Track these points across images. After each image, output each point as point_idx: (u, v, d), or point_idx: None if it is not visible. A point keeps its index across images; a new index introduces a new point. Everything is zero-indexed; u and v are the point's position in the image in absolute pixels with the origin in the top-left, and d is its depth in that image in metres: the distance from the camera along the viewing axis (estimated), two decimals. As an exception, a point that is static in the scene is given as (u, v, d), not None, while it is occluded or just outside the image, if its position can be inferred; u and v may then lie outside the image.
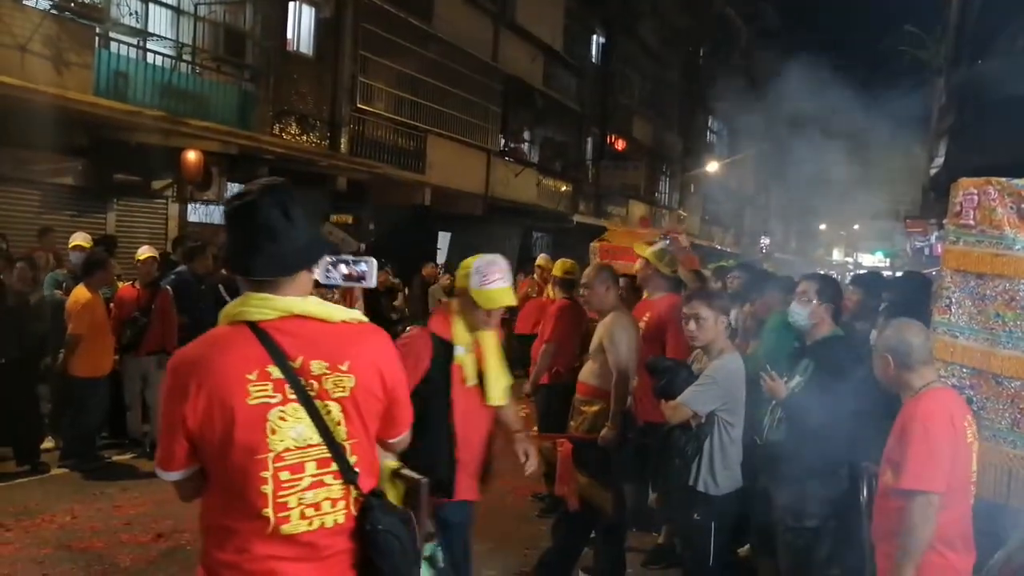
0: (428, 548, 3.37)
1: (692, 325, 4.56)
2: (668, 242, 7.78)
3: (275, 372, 2.19)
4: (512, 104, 23.43)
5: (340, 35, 16.82)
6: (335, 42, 16.78)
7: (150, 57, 12.66)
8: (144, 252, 8.58)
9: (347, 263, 2.72)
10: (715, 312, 4.57)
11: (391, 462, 3.53)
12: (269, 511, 2.18)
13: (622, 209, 29.95)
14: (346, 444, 2.26)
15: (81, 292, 7.62)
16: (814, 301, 4.60)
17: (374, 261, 2.81)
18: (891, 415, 3.59)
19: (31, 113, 9.71)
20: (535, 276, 13.02)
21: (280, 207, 2.27)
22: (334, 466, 2.25)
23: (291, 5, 15.81)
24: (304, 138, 15.96)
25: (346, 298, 11.58)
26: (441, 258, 20.29)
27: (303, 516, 2.21)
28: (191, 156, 12.60)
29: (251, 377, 2.17)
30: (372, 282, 2.83)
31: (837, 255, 73.47)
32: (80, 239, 9.45)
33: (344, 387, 2.25)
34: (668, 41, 33.88)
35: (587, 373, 6.02)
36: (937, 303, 4.34)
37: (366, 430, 2.32)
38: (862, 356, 4.69)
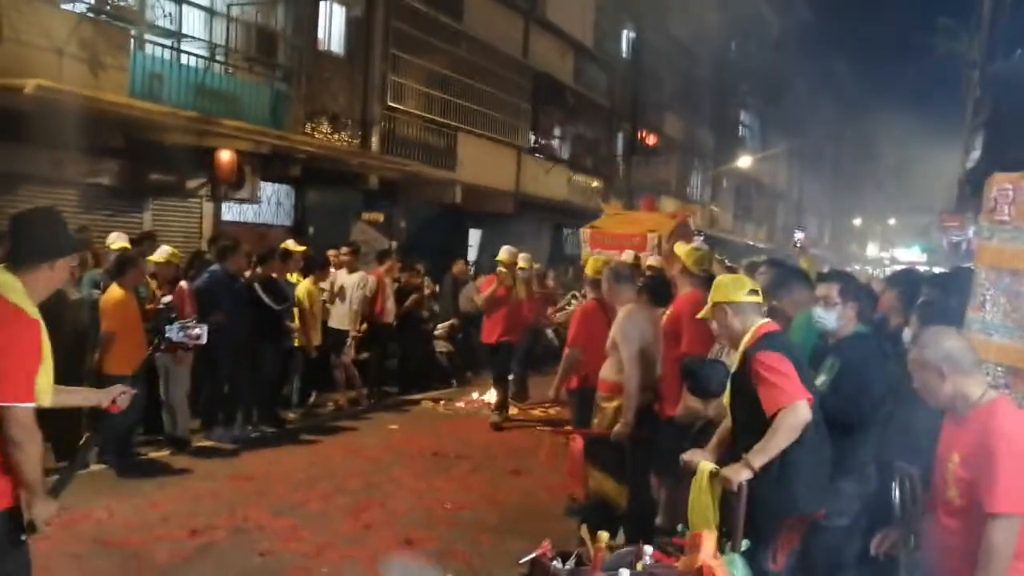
0: (746, 544, 3.86)
1: (714, 324, 4.57)
2: (702, 239, 7.83)
3: None
4: (542, 101, 23.40)
5: (371, 34, 16.90)
6: (366, 41, 16.86)
7: (184, 58, 12.79)
8: (161, 255, 8.66)
9: (186, 328, 4.27)
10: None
11: (707, 464, 4.10)
12: None
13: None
14: None
15: (114, 291, 7.73)
16: (839, 303, 4.56)
17: (205, 327, 4.37)
18: (925, 413, 3.53)
19: (68, 115, 9.82)
20: (500, 270, 11.14)
21: (28, 221, 3.41)
22: None
23: (322, 5, 15.89)
24: (336, 137, 16.04)
25: (376, 300, 11.68)
26: (472, 256, 20.33)
27: None
28: (224, 156, 12.72)
29: None
30: (203, 340, 4.39)
31: (872, 250, 72.72)
32: (121, 241, 9.48)
33: None
34: (699, 36, 33.69)
35: (606, 369, 6.10)
36: (971, 300, 4.29)
37: None
38: (888, 352, 4.65)
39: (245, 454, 8.61)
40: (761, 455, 3.89)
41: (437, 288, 14.48)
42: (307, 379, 10.81)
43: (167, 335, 4.25)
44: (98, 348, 7.76)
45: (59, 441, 7.74)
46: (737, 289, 4.26)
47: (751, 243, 38.54)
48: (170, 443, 8.50)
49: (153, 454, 8.32)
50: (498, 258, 11.30)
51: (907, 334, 4.96)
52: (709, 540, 3.63)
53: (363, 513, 6.88)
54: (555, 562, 3.79)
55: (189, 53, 12.85)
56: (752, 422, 4.03)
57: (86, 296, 8.37)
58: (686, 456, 4.30)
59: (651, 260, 9.76)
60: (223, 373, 8.96)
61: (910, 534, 3.87)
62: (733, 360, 4.57)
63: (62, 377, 7.49)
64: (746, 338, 4.15)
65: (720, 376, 4.67)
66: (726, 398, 4.28)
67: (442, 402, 11.85)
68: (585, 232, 12.47)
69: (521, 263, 11.61)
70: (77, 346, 7.89)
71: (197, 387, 8.90)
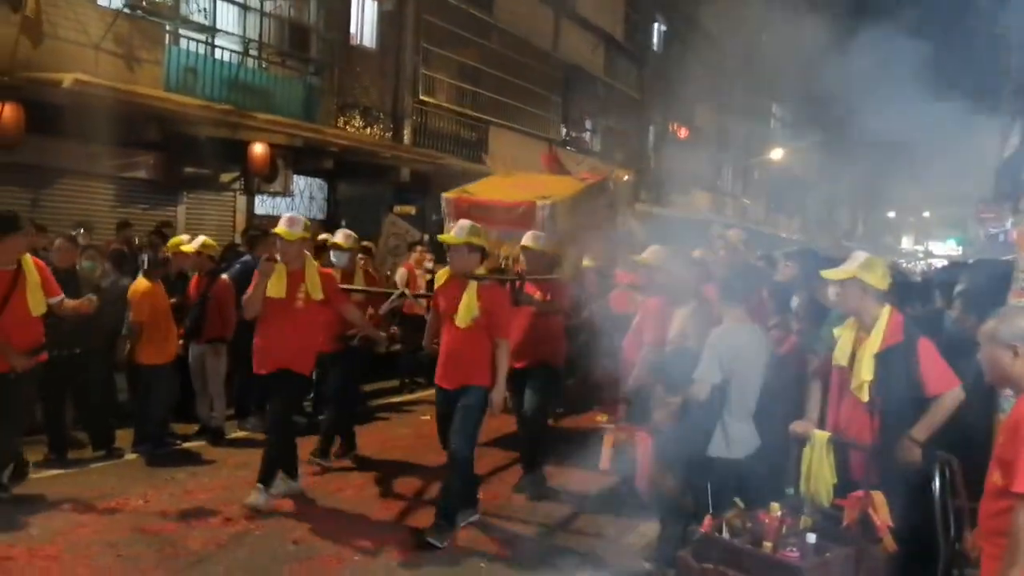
0: None
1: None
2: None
3: None
4: (573, 93, 23.37)
5: (402, 28, 16.94)
6: (398, 35, 16.91)
7: (218, 53, 12.91)
8: (191, 245, 8.68)
9: None
10: None
11: (822, 432, 4.43)
12: None
13: (685, 197, 29.67)
14: None
15: (141, 281, 7.80)
16: None
17: None
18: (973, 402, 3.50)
19: (105, 109, 9.96)
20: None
21: None
22: None
23: (354, -1, 15.97)
24: (368, 130, 16.11)
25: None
26: (504, 248, 20.31)
27: None
28: (258, 149, 12.81)
29: None
30: None
31: (907, 243, 71.79)
32: (340, 238, 8.15)
33: None
34: (730, 27, 33.40)
35: None
36: (1013, 286, 4.24)
37: None
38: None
39: (279, 444, 8.65)
40: (925, 430, 4.25)
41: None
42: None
43: None
44: (128, 339, 7.84)
45: (94, 432, 7.87)
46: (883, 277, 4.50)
47: (784, 235, 38.18)
48: (206, 433, 8.58)
49: (187, 443, 8.39)
50: (276, 230, 6.65)
51: (949, 320, 4.97)
52: (880, 500, 3.94)
53: (396, 501, 6.91)
54: (724, 534, 4.03)
55: (223, 48, 12.97)
56: (903, 397, 4.31)
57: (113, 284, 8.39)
58: (796, 427, 4.60)
59: (528, 240, 7.40)
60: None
61: (950, 522, 3.86)
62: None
63: (98, 367, 7.58)
64: (884, 321, 4.40)
65: (686, 365, 4.95)
66: (868, 375, 4.38)
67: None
68: (448, 200, 9.22)
69: (339, 240, 8.04)
70: (114, 338, 7.97)
71: (229, 376, 8.95)
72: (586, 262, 9.66)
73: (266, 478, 6.44)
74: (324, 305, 6.62)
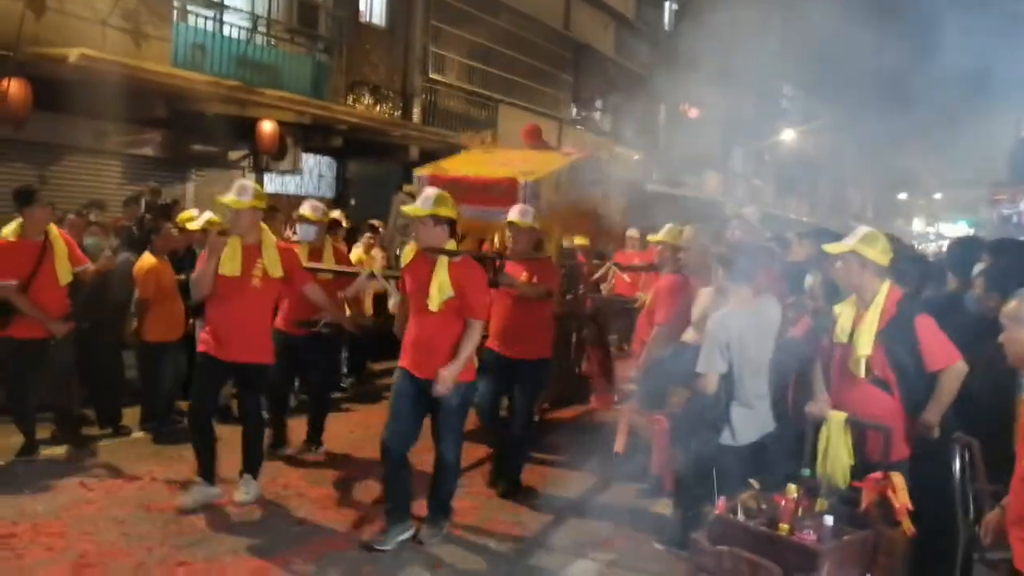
0: None
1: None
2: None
3: None
4: (583, 72, 23.22)
5: (412, 5, 16.84)
6: (407, 12, 16.80)
7: (226, 29, 12.81)
8: (197, 223, 8.56)
9: None
10: None
11: (839, 413, 4.32)
12: None
13: (695, 177, 29.52)
14: None
15: (146, 258, 7.76)
16: None
17: None
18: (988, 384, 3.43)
19: (112, 85, 9.88)
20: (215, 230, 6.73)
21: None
22: None
23: (363, -25, 15.85)
24: (377, 108, 16.02)
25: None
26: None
27: None
28: (266, 126, 12.73)
29: None
30: None
31: (918, 225, 71.45)
32: (307, 209, 7.60)
33: None
34: (743, 6, 33.11)
35: None
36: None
37: None
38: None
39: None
40: (937, 409, 4.21)
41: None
42: (361, 350, 10.57)
43: None
44: (135, 315, 7.80)
45: (104, 407, 7.85)
46: (884, 252, 4.47)
47: (794, 216, 38.00)
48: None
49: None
50: (223, 200, 5.98)
51: (971, 301, 4.88)
52: (900, 482, 3.89)
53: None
54: (739, 516, 3.98)
55: (232, 24, 12.88)
56: (908, 374, 4.28)
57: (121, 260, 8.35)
58: (812, 408, 4.52)
59: (515, 215, 6.67)
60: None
61: (969, 505, 3.81)
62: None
63: (105, 343, 7.54)
64: (882, 297, 4.37)
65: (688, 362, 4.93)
66: (865, 350, 4.34)
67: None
68: (421, 177, 8.29)
69: (305, 212, 7.45)
70: (121, 314, 7.93)
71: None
72: (578, 240, 9.51)
73: (253, 467, 6.26)
74: (284, 284, 6.10)
